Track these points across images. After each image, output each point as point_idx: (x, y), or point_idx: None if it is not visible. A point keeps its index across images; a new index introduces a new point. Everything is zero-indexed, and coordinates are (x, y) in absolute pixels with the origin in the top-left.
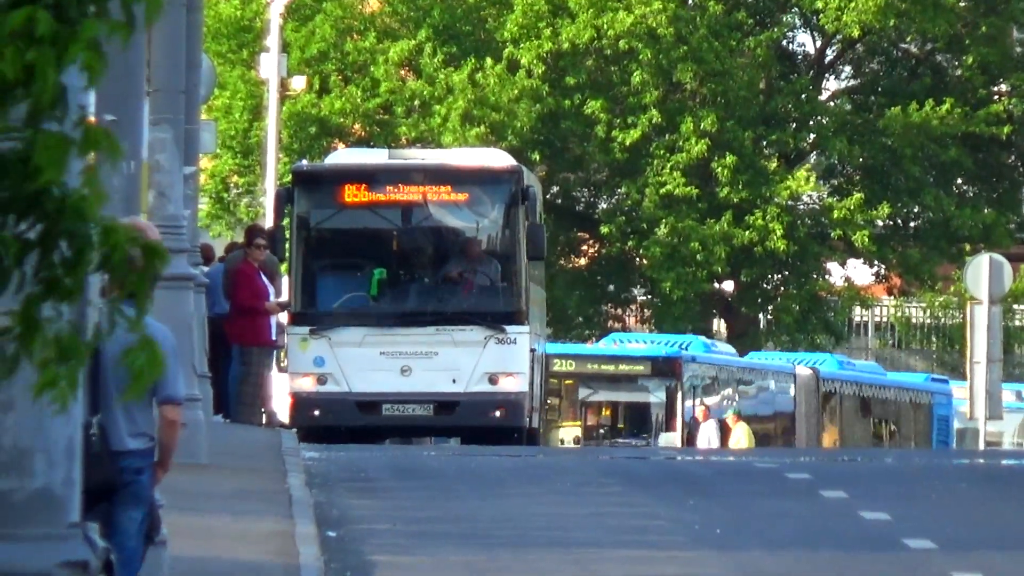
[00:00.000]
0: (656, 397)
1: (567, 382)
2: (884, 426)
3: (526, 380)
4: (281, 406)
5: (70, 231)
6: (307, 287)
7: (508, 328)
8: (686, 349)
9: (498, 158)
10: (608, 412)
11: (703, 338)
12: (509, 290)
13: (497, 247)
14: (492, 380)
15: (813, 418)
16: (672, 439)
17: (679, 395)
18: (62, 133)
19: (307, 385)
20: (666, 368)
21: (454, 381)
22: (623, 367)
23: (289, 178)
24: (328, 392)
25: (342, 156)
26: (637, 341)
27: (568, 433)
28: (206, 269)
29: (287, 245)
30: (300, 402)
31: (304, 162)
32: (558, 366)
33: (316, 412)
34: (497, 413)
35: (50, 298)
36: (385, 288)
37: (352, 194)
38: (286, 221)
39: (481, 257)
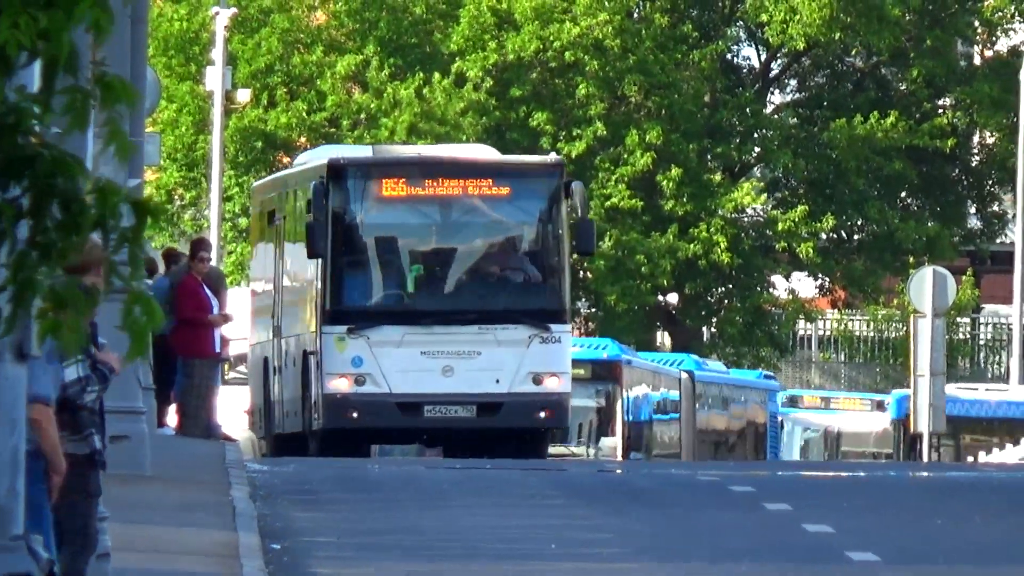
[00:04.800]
0: (595, 402)
1: None
2: (739, 424)
3: (569, 380)
4: (225, 419)
5: (63, 193)
6: (344, 284)
7: (553, 327)
8: (604, 350)
9: (486, 152)
10: None
11: (617, 343)
12: (553, 287)
13: (540, 243)
14: (536, 380)
15: (691, 420)
16: (613, 444)
17: (620, 399)
18: (80, 87)
19: (344, 386)
20: (606, 372)
21: (498, 381)
22: None
23: (325, 172)
24: (367, 393)
25: (318, 154)
26: None
27: None
28: (150, 282)
29: (321, 241)
30: (336, 403)
31: (340, 155)
32: None
33: (354, 414)
34: (542, 414)
35: (43, 262)
36: (425, 285)
37: (391, 188)
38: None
39: (524, 253)
